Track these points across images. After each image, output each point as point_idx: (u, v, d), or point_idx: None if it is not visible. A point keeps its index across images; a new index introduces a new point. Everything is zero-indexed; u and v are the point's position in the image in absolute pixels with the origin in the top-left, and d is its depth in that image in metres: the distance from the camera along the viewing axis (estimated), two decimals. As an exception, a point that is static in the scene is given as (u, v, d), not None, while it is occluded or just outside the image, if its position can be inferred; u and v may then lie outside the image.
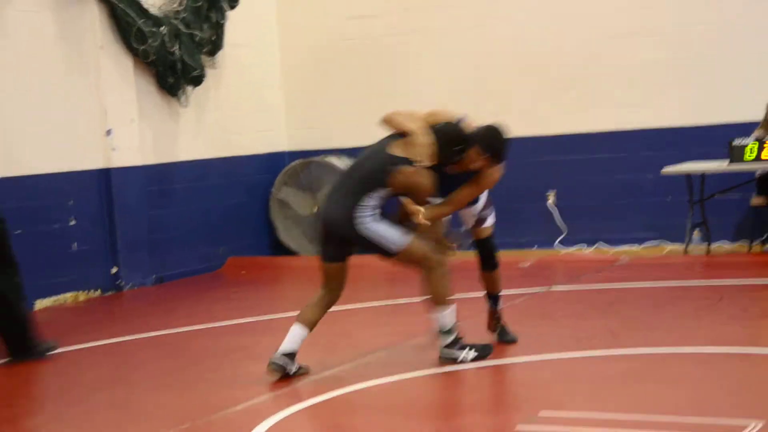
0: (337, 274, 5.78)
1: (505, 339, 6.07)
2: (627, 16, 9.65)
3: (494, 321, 6.14)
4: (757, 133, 8.89)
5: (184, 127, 9.92)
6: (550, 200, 10.07)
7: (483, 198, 5.94)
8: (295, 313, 5.68)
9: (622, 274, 8.26)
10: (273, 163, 10.69)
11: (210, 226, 9.97)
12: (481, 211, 5.95)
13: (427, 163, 5.49)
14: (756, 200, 9.05)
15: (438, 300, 5.63)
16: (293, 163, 10.61)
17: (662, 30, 9.56)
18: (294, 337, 5.62)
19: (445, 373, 5.50)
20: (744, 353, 5.46)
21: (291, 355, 5.60)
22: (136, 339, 6.99)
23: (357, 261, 9.92)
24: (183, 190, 9.82)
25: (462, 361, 5.57)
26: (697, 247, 8.94)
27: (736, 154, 8.55)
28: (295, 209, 10.51)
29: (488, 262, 6.03)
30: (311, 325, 5.73)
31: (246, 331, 7.07)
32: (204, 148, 10.10)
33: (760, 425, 4.23)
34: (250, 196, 10.49)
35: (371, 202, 5.51)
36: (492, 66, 10.23)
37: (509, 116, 10.08)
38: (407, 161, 5.50)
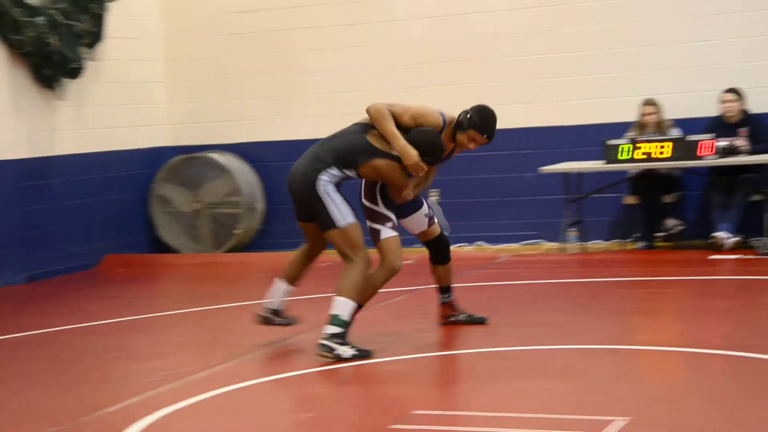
0: (312, 232, 6.03)
1: (475, 320, 6.29)
2: (513, 16, 9.81)
3: (453, 309, 6.34)
4: (631, 134, 9.17)
5: (62, 121, 9.65)
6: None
7: (425, 201, 6.16)
8: (173, 312, 5.63)
9: (501, 272, 8.40)
10: (154, 158, 10.51)
11: (87, 223, 9.74)
12: (428, 212, 6.16)
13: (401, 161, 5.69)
14: (629, 199, 9.33)
15: (346, 291, 5.73)
16: (175, 159, 10.45)
17: (542, 31, 9.76)
18: (275, 292, 6.10)
19: (322, 372, 5.49)
20: (615, 349, 5.60)
21: (275, 311, 6.07)
22: (7, 339, 6.77)
23: (239, 259, 9.98)
24: (59, 185, 9.56)
25: (338, 356, 5.58)
26: (573, 245, 9.16)
27: (611, 154, 8.80)
28: (176, 206, 10.35)
29: (446, 256, 6.28)
30: (292, 280, 6.13)
31: (122, 330, 6.92)
32: (82, 143, 9.85)
33: (625, 422, 4.34)
34: (130, 192, 10.29)
35: (336, 173, 5.74)
36: (382, 61, 10.28)
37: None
38: (383, 154, 5.70)
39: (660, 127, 9.10)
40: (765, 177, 8.76)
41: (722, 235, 8.62)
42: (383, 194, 5.95)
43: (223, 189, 10.37)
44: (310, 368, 5.52)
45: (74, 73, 9.48)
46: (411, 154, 5.65)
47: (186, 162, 10.41)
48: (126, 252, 9.98)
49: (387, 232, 5.87)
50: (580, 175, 9.20)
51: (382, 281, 5.89)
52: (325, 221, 5.76)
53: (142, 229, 10.38)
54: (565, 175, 9.12)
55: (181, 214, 10.31)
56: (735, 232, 8.69)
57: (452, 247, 9.91)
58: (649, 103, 9.13)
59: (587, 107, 9.61)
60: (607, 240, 9.65)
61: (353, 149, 5.76)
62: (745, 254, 8.40)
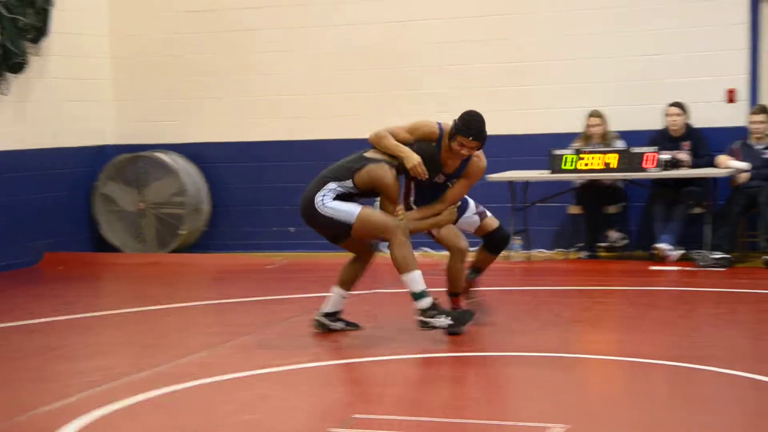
0: (350, 246, 6.26)
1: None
2: (460, 24, 9.88)
3: (470, 290, 6.56)
4: (576, 144, 9.27)
5: (4, 117, 9.49)
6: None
7: (470, 201, 6.36)
8: (114, 311, 5.55)
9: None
10: (99, 156, 10.38)
11: (28, 220, 9.59)
12: (476, 209, 6.36)
13: (396, 163, 5.95)
14: (573, 209, 9.43)
15: (400, 267, 5.92)
16: (120, 157, 10.33)
17: (490, 40, 9.83)
18: (332, 298, 6.26)
19: (266, 374, 5.45)
20: (557, 357, 5.64)
21: (330, 315, 6.23)
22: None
23: (183, 260, 9.89)
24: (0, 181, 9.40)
25: (437, 327, 5.83)
26: (518, 254, 9.21)
27: (556, 164, 8.88)
28: (120, 205, 10.24)
29: (497, 250, 6.46)
30: (347, 285, 6.28)
31: (61, 329, 6.81)
32: (25, 138, 9.70)
33: (564, 429, 4.37)
34: (73, 189, 10.15)
35: (333, 187, 5.99)
36: (331, 66, 10.28)
37: (344, 118, 10.25)
38: (375, 160, 5.95)
39: (605, 138, 9.21)
40: (706, 190, 8.91)
41: (664, 247, 8.75)
42: (416, 198, 6.19)
43: (169, 189, 10.28)
44: (254, 370, 5.48)
45: (17, 68, 9.34)
46: (412, 157, 5.90)
47: (131, 161, 10.30)
48: (68, 250, 9.83)
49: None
50: (526, 184, 9.27)
51: (460, 265, 6.26)
52: (340, 228, 6.02)
53: (84, 227, 10.24)
54: (511, 184, 9.18)
55: (125, 214, 10.20)
56: (676, 243, 8.82)
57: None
58: (595, 114, 9.24)
59: (534, 117, 9.70)
60: (550, 249, 9.74)
61: (348, 162, 6.08)
62: (685, 266, 8.53)
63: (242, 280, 8.70)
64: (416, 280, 5.96)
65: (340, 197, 6.01)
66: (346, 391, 5.19)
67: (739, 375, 5.11)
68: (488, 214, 6.42)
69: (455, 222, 6.31)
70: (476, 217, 6.36)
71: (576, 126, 9.40)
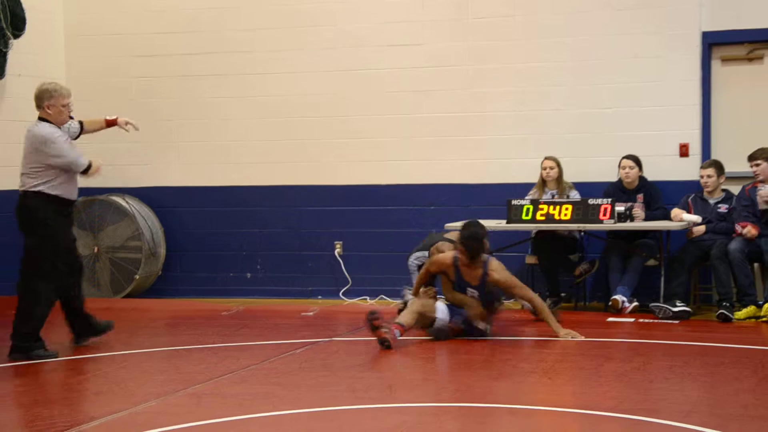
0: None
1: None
2: (415, 74, 9.98)
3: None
4: (533, 192, 9.35)
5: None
6: (337, 250, 10.18)
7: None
8: (64, 358, 5.33)
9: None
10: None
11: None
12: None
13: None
14: (530, 258, 9.48)
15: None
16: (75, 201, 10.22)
17: (450, 90, 9.94)
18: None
19: (218, 424, 5.37)
20: (513, 408, 5.64)
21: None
22: None
23: (137, 305, 9.77)
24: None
25: None
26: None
27: (514, 214, 8.95)
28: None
29: None
30: None
31: (7, 376, 6.69)
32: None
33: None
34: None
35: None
36: (282, 114, 10.32)
37: (299, 164, 10.28)
38: None
39: (560, 185, 9.30)
40: (659, 243, 9.01)
41: (620, 298, 8.81)
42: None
43: (125, 233, 10.20)
44: (207, 420, 5.41)
45: (-26, 108, 9.26)
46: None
47: (87, 204, 10.21)
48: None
49: None
50: (484, 233, 9.30)
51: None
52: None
53: (37, 271, 10.09)
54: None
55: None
56: (631, 295, 8.90)
57: (354, 300, 10.02)
58: (549, 158, 9.35)
59: (492, 166, 9.80)
60: (507, 299, 9.76)
61: None
62: (640, 317, 8.59)
63: (197, 327, 8.61)
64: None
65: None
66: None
67: (691, 428, 5.13)
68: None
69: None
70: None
71: (531, 176, 9.50)
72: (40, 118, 7.31)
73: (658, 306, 8.49)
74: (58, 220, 7.28)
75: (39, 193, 7.19)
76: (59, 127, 7.32)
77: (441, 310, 7.70)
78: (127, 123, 7.83)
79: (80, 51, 10.74)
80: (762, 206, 8.57)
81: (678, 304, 8.46)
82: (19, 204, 7.30)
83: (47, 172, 7.18)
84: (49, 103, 7.25)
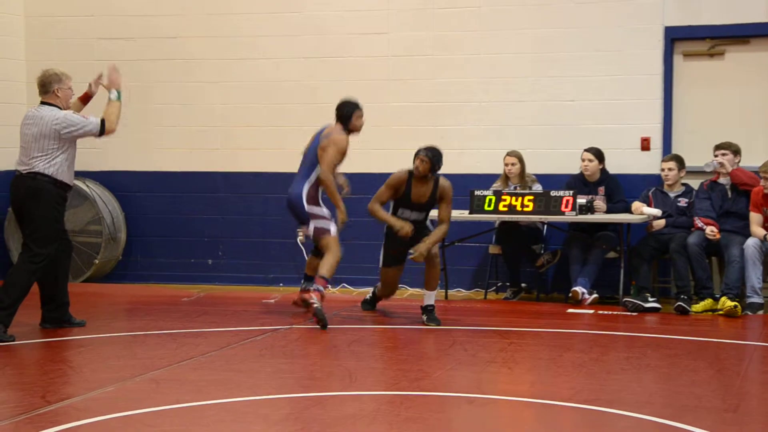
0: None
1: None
2: (380, 63, 9.97)
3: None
4: (496, 185, 9.39)
5: None
6: (300, 237, 10.14)
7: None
8: (20, 342, 5.31)
9: (363, 316, 8.42)
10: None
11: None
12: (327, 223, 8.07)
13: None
14: (493, 248, 9.53)
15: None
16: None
17: (414, 79, 9.94)
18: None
19: (175, 410, 5.35)
20: (471, 397, 5.66)
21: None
22: None
23: (97, 289, 9.69)
24: None
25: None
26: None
27: (477, 204, 8.98)
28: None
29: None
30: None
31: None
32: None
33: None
34: (-16, 215, 9.91)
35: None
36: (246, 100, 10.27)
37: (263, 151, 10.23)
38: None
39: (523, 179, 9.35)
40: (620, 236, 9.08)
41: (579, 290, 8.88)
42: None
43: (85, 217, 10.10)
44: (164, 405, 5.38)
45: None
46: (396, 224, 7.96)
47: (47, 187, 10.08)
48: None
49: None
50: (446, 223, 9.32)
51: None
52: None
53: (-5, 253, 10.00)
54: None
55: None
56: (592, 287, 8.97)
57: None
58: (512, 154, 9.38)
59: (455, 157, 9.79)
60: (468, 289, 9.82)
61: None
62: (600, 309, 8.67)
63: (157, 312, 8.56)
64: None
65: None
66: (260, 430, 5.12)
67: (647, 419, 5.19)
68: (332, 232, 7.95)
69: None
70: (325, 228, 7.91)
71: (494, 168, 9.53)
72: (45, 103, 7.42)
73: (631, 301, 8.55)
74: (61, 204, 7.45)
75: (47, 176, 7.30)
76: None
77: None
78: (98, 83, 7.75)
79: (39, 34, 10.60)
80: (718, 170, 8.76)
81: (650, 300, 8.53)
82: (26, 185, 7.30)
83: (57, 156, 7.31)
84: (59, 86, 7.43)
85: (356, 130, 8.14)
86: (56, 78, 7.43)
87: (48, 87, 7.42)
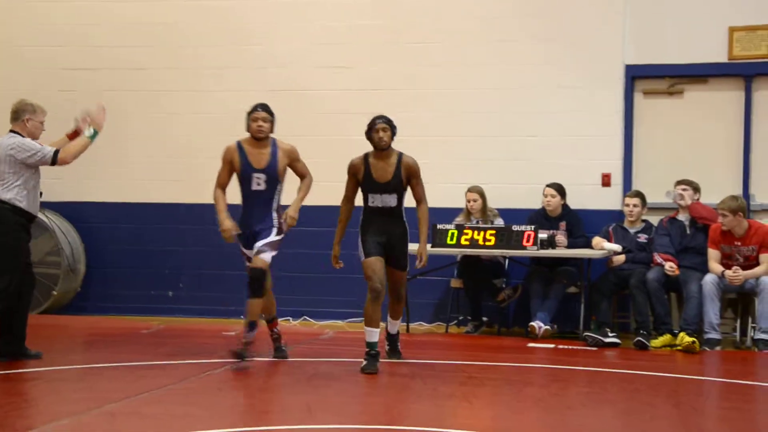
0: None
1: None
2: (348, 96, 10.01)
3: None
4: (458, 219, 9.42)
5: None
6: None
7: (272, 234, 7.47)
8: None
9: (326, 349, 8.38)
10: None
11: None
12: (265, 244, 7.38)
13: None
14: (455, 282, 9.54)
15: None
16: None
17: (374, 112, 9.94)
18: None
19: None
20: (431, 431, 5.64)
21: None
22: None
23: (55, 321, 9.56)
24: None
25: None
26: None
27: (440, 238, 9.00)
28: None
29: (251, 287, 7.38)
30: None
31: None
32: None
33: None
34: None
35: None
36: (208, 132, 10.24)
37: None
38: None
39: (485, 214, 9.39)
40: (580, 271, 9.14)
41: (536, 324, 8.91)
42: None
43: (44, 248, 9.99)
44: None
45: None
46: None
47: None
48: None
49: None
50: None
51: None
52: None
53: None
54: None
55: None
56: (551, 321, 9.00)
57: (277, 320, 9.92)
58: (473, 190, 9.43)
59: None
60: (430, 322, 9.82)
61: None
62: (560, 343, 8.70)
63: (115, 345, 8.46)
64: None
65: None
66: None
67: (606, 454, 5.19)
68: (265, 252, 7.34)
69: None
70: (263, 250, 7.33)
71: (457, 202, 9.57)
72: (12, 131, 7.44)
73: (591, 336, 8.59)
74: (20, 233, 7.37)
75: (4, 202, 7.29)
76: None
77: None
78: (85, 120, 7.68)
79: (4, 63, 10.54)
80: (678, 201, 8.89)
81: (609, 335, 8.57)
82: None
83: (15, 183, 7.30)
84: (30, 117, 7.46)
85: (252, 132, 7.49)
86: (30, 108, 7.48)
87: (19, 115, 7.46)
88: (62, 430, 5.50)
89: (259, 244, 7.38)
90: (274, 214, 7.47)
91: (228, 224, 7.40)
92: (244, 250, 7.56)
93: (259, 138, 7.44)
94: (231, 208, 7.57)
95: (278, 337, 7.80)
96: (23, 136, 7.41)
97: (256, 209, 7.44)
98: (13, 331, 7.48)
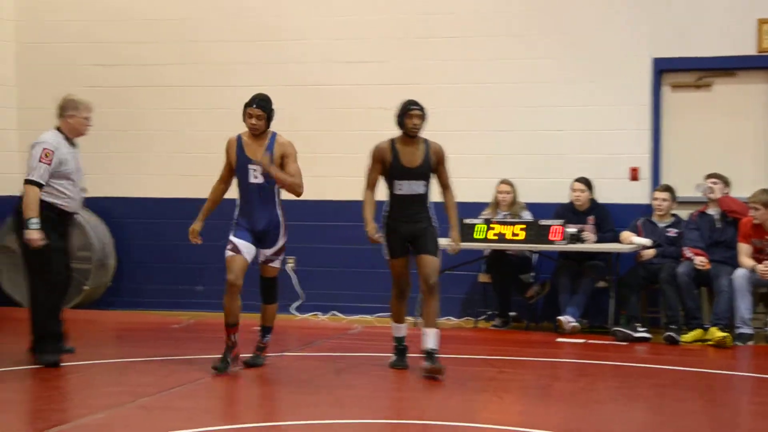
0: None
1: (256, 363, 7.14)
2: (367, 92, 10.02)
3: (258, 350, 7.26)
4: (486, 213, 9.43)
5: None
6: (290, 265, 10.15)
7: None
8: (12, 368, 5.30)
9: (354, 343, 8.42)
10: (2, 207, 10.13)
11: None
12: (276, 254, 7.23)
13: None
14: (483, 277, 9.55)
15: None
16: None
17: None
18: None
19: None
20: (458, 426, 5.66)
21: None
22: None
23: (86, 316, 9.66)
24: None
25: None
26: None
27: (467, 233, 9.00)
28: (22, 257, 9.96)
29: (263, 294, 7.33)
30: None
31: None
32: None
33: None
34: (-29, 241, 9.89)
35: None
36: (237, 127, 10.27)
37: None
38: None
39: (513, 207, 9.39)
40: (609, 265, 9.12)
41: (565, 319, 8.90)
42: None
43: (75, 243, 10.07)
44: (153, 434, 5.37)
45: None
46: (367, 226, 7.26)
47: (37, 213, 10.07)
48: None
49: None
50: (436, 251, 9.35)
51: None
52: None
53: (-17, 280, 9.97)
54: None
55: (27, 267, 9.93)
56: (581, 316, 8.99)
57: (306, 316, 9.97)
58: (505, 182, 9.44)
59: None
60: (459, 317, 9.83)
61: None
62: (589, 338, 8.68)
63: (147, 339, 8.54)
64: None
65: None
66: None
67: (637, 449, 5.20)
68: (274, 261, 7.25)
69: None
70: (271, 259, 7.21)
71: (483, 196, 9.57)
72: (57, 128, 7.29)
73: (621, 330, 8.57)
74: (51, 227, 7.13)
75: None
76: (71, 140, 7.27)
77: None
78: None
79: (31, 58, 10.64)
80: (708, 194, 8.85)
81: (639, 330, 8.56)
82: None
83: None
84: (72, 113, 7.25)
85: (247, 127, 7.23)
86: (72, 105, 7.28)
87: (62, 111, 7.30)
88: (98, 424, 5.57)
89: (268, 253, 7.24)
90: (279, 211, 7.27)
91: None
92: (236, 240, 7.27)
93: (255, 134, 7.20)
94: (228, 202, 7.54)
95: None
96: (63, 133, 7.26)
97: (259, 205, 7.22)
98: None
